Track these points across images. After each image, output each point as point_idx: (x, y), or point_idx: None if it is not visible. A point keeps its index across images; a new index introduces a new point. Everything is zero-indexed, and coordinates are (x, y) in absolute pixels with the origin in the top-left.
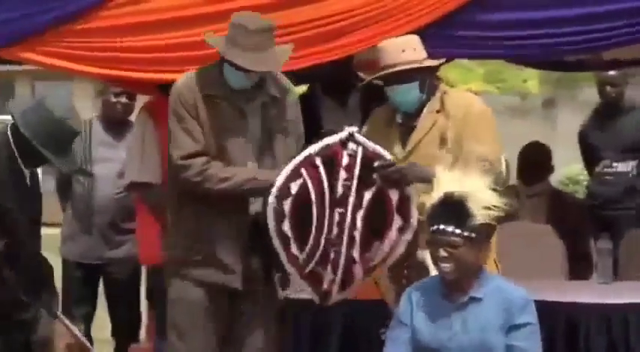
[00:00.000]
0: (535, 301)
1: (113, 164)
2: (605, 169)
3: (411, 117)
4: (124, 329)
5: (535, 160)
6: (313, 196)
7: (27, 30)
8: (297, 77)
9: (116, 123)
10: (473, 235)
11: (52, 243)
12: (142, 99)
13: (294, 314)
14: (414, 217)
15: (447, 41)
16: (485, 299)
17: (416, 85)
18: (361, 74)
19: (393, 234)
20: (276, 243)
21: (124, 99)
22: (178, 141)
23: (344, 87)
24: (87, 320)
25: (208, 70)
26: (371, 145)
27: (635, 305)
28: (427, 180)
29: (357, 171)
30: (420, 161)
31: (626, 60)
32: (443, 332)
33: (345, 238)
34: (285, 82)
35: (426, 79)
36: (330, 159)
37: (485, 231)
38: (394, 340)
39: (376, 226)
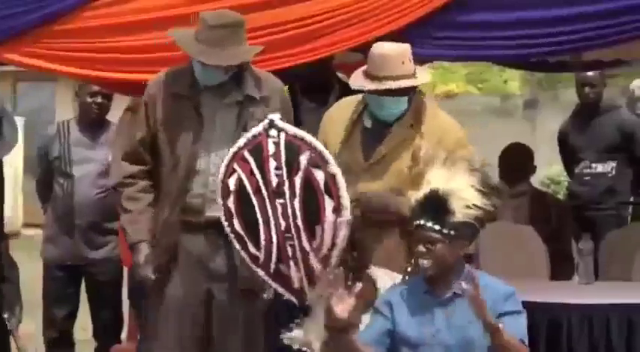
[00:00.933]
0: None
1: (92, 164)
2: (585, 170)
3: (382, 126)
4: (106, 330)
5: (517, 161)
6: (251, 190)
7: (8, 31)
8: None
9: (93, 124)
10: (452, 233)
11: (34, 245)
12: (125, 100)
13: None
14: (345, 196)
15: (428, 42)
16: None
17: (406, 98)
18: (340, 75)
19: (328, 216)
20: (235, 244)
21: (99, 99)
22: (130, 135)
23: (324, 87)
24: (69, 321)
25: (180, 69)
26: (291, 129)
27: (616, 306)
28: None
29: (283, 158)
30: (387, 172)
31: (607, 61)
32: (426, 327)
33: (293, 229)
34: (274, 82)
35: (414, 92)
36: (257, 149)
37: (466, 230)
38: (369, 327)
39: (312, 212)
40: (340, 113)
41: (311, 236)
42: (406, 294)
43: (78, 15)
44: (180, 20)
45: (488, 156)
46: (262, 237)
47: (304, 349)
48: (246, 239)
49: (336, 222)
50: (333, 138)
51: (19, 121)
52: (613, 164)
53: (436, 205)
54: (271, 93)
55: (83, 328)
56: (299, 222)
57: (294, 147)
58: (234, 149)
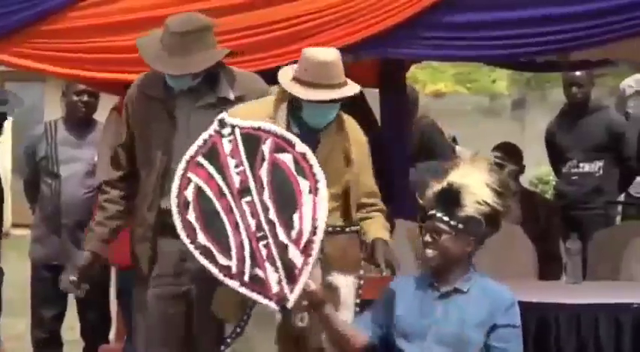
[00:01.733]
0: None
1: (79, 164)
2: (572, 170)
3: (311, 132)
4: (94, 330)
5: (506, 160)
6: (212, 196)
7: None
8: (267, 77)
9: (80, 123)
10: (460, 226)
11: (24, 245)
12: (112, 99)
13: None
14: (319, 173)
15: (416, 42)
16: (470, 294)
17: (338, 107)
18: None
19: (305, 198)
20: (201, 258)
21: (85, 98)
22: (116, 138)
23: None
24: (56, 321)
25: (157, 71)
26: (244, 123)
27: (605, 305)
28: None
29: (243, 153)
30: (331, 176)
31: (595, 60)
32: (423, 319)
33: (266, 226)
34: (252, 82)
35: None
36: (212, 152)
37: (474, 225)
38: (364, 315)
39: (287, 200)
40: (259, 118)
41: (288, 227)
42: (413, 284)
43: (66, 15)
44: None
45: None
46: (232, 243)
47: None
48: (213, 250)
49: (315, 202)
50: None
51: (8, 121)
52: (600, 164)
53: (449, 198)
54: (247, 93)
55: (71, 328)
56: (271, 215)
57: (252, 139)
58: (185, 158)
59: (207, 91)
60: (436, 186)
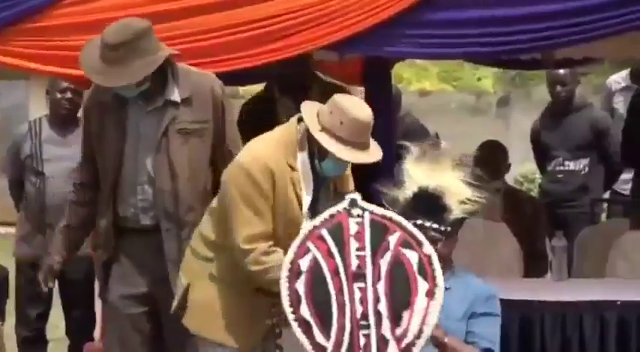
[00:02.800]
0: None
1: (63, 162)
2: (557, 168)
3: (318, 177)
4: (79, 328)
5: (491, 158)
6: (327, 272)
7: None
8: (253, 76)
9: (64, 121)
10: (449, 229)
11: (8, 243)
12: None
13: None
14: (440, 276)
15: (399, 41)
16: (453, 290)
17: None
18: (319, 73)
19: (420, 300)
20: (298, 331)
21: (69, 95)
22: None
23: (302, 86)
24: (42, 319)
25: None
26: (377, 209)
27: (590, 303)
28: None
29: (368, 239)
30: None
31: (580, 58)
32: None
33: (372, 316)
34: (202, 81)
35: None
36: (337, 228)
37: (462, 224)
38: None
39: (401, 296)
40: (280, 166)
41: (394, 322)
42: None
43: (48, 13)
44: (147, 18)
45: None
46: (335, 324)
47: None
48: (313, 326)
49: (428, 307)
50: (287, 209)
51: None
52: (585, 161)
53: (431, 203)
54: (195, 94)
55: (56, 326)
56: (381, 307)
57: (380, 227)
58: (308, 227)
59: (157, 94)
60: (404, 193)
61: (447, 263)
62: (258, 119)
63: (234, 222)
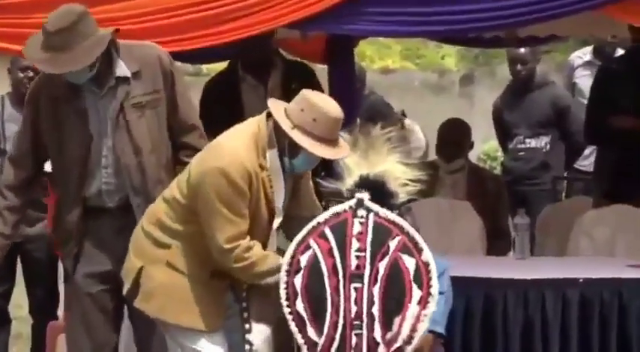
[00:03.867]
0: (453, 276)
1: None
2: (519, 145)
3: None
4: (42, 307)
5: (454, 136)
6: (325, 270)
7: None
8: (217, 54)
9: (24, 99)
10: (398, 212)
11: None
12: None
13: None
14: (435, 286)
15: (360, 18)
16: None
17: None
18: (282, 52)
19: (413, 308)
20: (292, 325)
21: (30, 74)
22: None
23: (265, 64)
24: (5, 297)
25: None
26: (382, 211)
27: (552, 281)
28: None
29: (369, 241)
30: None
31: (542, 36)
32: None
33: (365, 318)
34: (147, 53)
35: None
36: (340, 227)
37: (408, 206)
38: None
39: (394, 301)
40: (254, 166)
41: (386, 327)
42: None
43: None
44: None
45: (426, 132)
46: (327, 322)
47: None
48: (307, 322)
49: (420, 315)
50: (260, 208)
51: None
52: (547, 139)
53: (375, 191)
54: (143, 66)
55: (19, 305)
56: (374, 309)
57: (382, 230)
58: (312, 224)
59: (106, 76)
60: (346, 184)
61: None
62: (221, 97)
63: (213, 224)
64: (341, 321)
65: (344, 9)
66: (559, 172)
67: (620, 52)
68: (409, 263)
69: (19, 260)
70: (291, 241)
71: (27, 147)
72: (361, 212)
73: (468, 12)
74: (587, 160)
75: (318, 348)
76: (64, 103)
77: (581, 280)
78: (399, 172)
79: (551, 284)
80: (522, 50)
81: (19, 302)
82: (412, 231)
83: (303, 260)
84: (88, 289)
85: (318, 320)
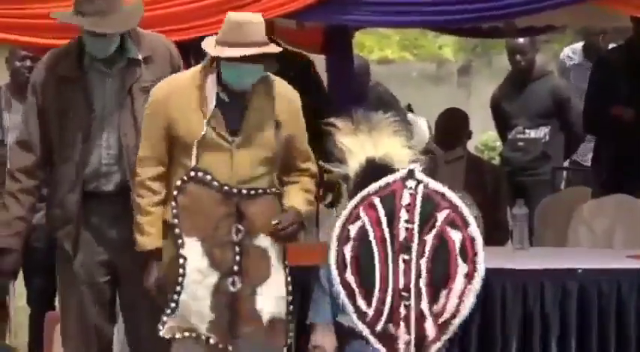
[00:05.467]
0: None
1: None
2: (518, 136)
3: (238, 97)
4: (40, 297)
5: (452, 126)
6: (374, 241)
7: None
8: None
9: (23, 88)
10: None
11: None
12: None
13: None
14: (481, 261)
15: (359, 8)
16: None
17: (262, 67)
18: (280, 41)
19: (459, 282)
20: (342, 296)
21: (28, 63)
22: (22, 125)
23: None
24: (2, 288)
25: (64, 50)
26: (432, 183)
27: (551, 271)
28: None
29: (417, 212)
30: (258, 143)
31: (540, 27)
32: None
33: (413, 290)
34: (157, 40)
35: (269, 62)
36: (390, 198)
37: None
38: (316, 305)
39: (440, 275)
40: (180, 96)
41: (433, 300)
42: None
43: None
44: None
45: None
46: (376, 293)
47: None
48: (356, 292)
49: (466, 289)
50: (181, 121)
51: None
52: (546, 130)
53: (381, 173)
54: (154, 53)
55: (18, 294)
56: (422, 282)
57: (431, 203)
58: (362, 193)
59: (117, 56)
60: (352, 167)
61: None
62: None
63: None
64: (390, 293)
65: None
66: (558, 163)
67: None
68: (455, 237)
69: None
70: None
71: (34, 129)
72: (411, 183)
73: (466, 2)
74: (588, 155)
75: (368, 318)
76: (70, 83)
77: (580, 270)
78: (403, 154)
79: (550, 275)
80: (521, 40)
81: (18, 292)
82: (460, 203)
83: (353, 230)
84: (86, 279)
85: (366, 291)
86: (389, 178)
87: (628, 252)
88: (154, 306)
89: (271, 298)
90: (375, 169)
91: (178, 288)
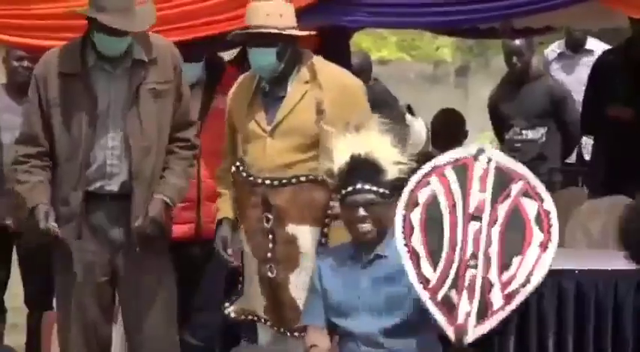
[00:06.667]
0: None
1: None
2: (515, 137)
3: (278, 87)
4: (38, 297)
5: (449, 127)
6: (444, 208)
7: None
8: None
9: (21, 89)
10: (387, 191)
11: None
12: None
13: None
14: (556, 233)
15: (357, 9)
16: (390, 257)
17: (273, 51)
18: None
19: (533, 250)
20: (406, 260)
21: (26, 63)
22: (23, 121)
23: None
24: (0, 287)
25: (69, 46)
26: (504, 160)
27: (548, 272)
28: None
29: (490, 183)
30: (293, 131)
31: (537, 28)
32: (351, 291)
33: (482, 258)
34: (162, 43)
35: (288, 47)
36: (461, 169)
37: (400, 186)
38: (308, 305)
39: (514, 242)
40: (240, 90)
41: (503, 268)
42: (333, 262)
43: None
44: None
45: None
46: (443, 258)
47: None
48: (421, 257)
49: (540, 258)
50: (237, 114)
51: None
52: (543, 131)
53: (366, 168)
54: (159, 55)
55: (15, 295)
56: (491, 250)
57: (504, 176)
58: (433, 163)
59: (123, 57)
60: (339, 164)
61: (384, 228)
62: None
63: None
64: (457, 259)
65: (339, 0)
66: (555, 163)
67: (590, 40)
68: (531, 207)
69: (14, 249)
70: None
71: (37, 124)
72: (483, 158)
73: (463, 3)
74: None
75: (430, 284)
76: (73, 81)
77: (577, 271)
78: (390, 152)
79: (547, 275)
80: (518, 42)
81: (15, 292)
82: (534, 180)
83: (422, 196)
84: (87, 280)
85: (433, 256)
86: (457, 153)
87: (625, 252)
88: (153, 306)
89: (302, 288)
90: (360, 165)
91: (241, 279)
